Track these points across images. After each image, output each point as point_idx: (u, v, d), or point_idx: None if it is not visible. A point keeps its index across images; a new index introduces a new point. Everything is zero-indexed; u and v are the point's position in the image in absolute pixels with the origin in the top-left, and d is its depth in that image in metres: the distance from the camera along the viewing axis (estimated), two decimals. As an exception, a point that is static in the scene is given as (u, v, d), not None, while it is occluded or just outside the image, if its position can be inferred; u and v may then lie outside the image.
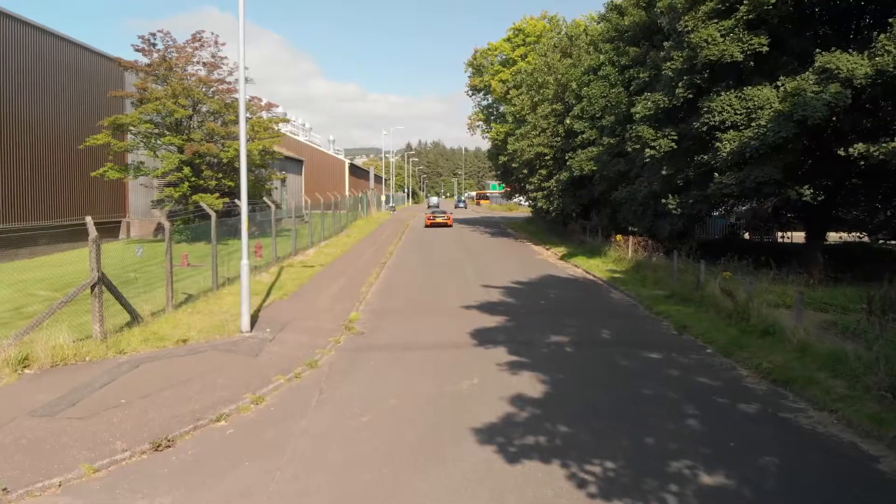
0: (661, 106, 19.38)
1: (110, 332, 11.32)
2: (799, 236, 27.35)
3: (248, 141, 31.16)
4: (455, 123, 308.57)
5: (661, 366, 10.50)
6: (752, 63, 18.12)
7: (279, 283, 18.13)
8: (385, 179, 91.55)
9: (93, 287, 10.80)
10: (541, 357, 10.81)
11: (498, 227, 46.47)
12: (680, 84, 18.71)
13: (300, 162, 49.67)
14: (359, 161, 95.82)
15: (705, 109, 18.24)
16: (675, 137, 19.49)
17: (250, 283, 17.27)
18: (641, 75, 21.81)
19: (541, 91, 30.52)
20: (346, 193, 53.50)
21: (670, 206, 19.75)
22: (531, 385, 9.17)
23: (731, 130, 17.98)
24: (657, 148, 19.60)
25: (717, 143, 18.05)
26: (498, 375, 9.71)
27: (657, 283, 17.47)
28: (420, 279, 20.32)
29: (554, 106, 29.87)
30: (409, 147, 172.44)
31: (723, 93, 18.33)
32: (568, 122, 27.43)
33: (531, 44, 39.15)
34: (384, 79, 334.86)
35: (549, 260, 25.82)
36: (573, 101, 27.85)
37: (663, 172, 19.93)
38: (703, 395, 8.98)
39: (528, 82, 32.24)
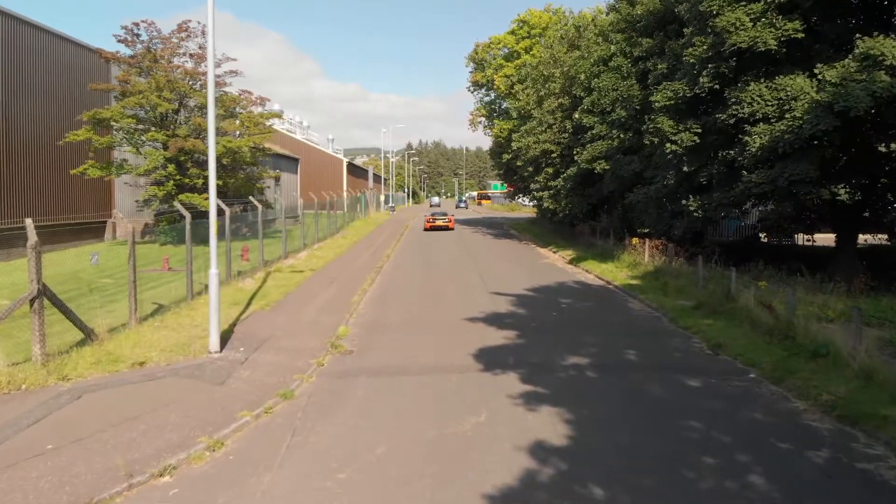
0: (682, 95, 17.75)
1: (56, 354, 9.71)
2: (824, 238, 25.71)
3: (237, 137, 29.67)
4: (456, 123, 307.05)
5: (701, 396, 8.88)
6: (784, 50, 16.53)
7: (263, 290, 16.52)
8: (384, 179, 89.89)
9: (32, 301, 9.19)
10: (559, 385, 9.19)
11: (501, 229, 44.82)
12: (704, 73, 17.09)
13: (296, 160, 47.97)
14: (359, 161, 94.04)
15: (733, 100, 16.64)
16: (699, 131, 17.87)
17: (231, 293, 15.74)
18: (659, 66, 20.17)
19: (547, 85, 28.86)
20: (344, 193, 51.89)
21: (691, 208, 18.14)
22: (552, 426, 7.54)
23: (762, 123, 16.40)
24: (678, 142, 17.97)
25: (746, 138, 16.46)
26: (510, 411, 8.09)
27: (680, 292, 15.85)
28: (419, 286, 18.72)
29: (561, 100, 28.21)
30: (409, 147, 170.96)
31: (752, 82, 16.74)
32: (577, 116, 25.79)
33: (536, 36, 37.48)
34: (385, 79, 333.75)
35: (556, 264, 24.19)
36: (582, 95, 26.21)
37: (684, 169, 18.31)
38: (760, 439, 7.36)
39: (532, 76, 30.58)
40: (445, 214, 41.69)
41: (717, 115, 17.42)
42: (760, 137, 16.05)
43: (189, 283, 14.91)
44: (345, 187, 57.54)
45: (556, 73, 28.46)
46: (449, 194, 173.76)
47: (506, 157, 35.59)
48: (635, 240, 20.60)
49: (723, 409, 8.39)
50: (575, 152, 25.76)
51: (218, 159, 28.62)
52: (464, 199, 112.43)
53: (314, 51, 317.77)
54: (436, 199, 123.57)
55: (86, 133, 26.26)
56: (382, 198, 69.86)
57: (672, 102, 18.04)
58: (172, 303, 14.27)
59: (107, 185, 33.06)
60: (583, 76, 26.11)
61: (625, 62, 24.89)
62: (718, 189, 18.00)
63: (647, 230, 25.59)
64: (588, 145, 25.00)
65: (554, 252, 27.57)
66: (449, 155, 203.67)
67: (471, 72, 43.61)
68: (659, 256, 19.35)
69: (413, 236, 36.47)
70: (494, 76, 39.84)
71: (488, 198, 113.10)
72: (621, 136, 23.56)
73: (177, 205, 14.73)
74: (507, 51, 40.66)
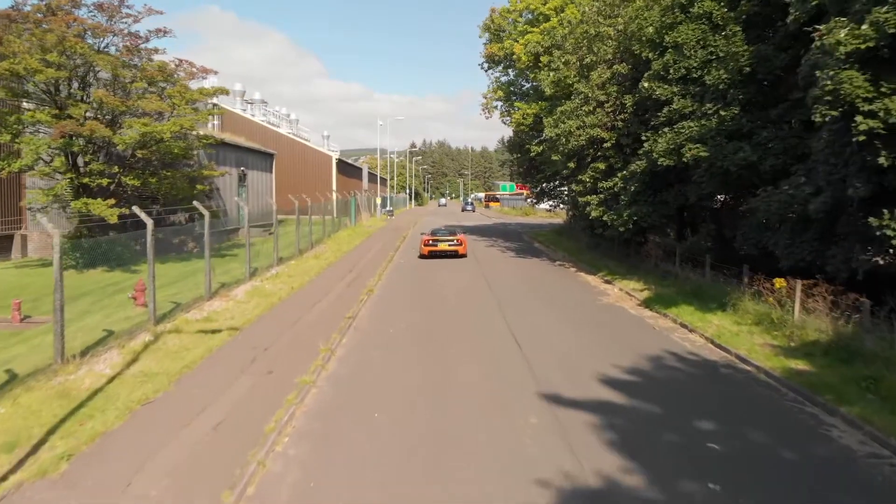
0: (893, 31, 9.76)
1: None
2: None
3: (164, 120, 21.80)
4: (460, 123, 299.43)
5: None
6: None
7: (106, 393, 8.52)
8: (383, 179, 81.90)
9: None
10: None
11: (520, 241, 36.37)
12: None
13: (270, 155, 39.85)
14: (360, 161, 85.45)
15: None
16: (912, 94, 9.88)
17: (34, 404, 7.24)
18: (810, -11, 12.17)
19: (595, 47, 20.88)
20: (334, 195, 43.92)
21: (892, 229, 10.16)
22: None
23: None
24: (878, 114, 9.99)
25: None
26: None
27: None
28: (410, 369, 10.70)
29: (616, 67, 20.18)
30: (413, 146, 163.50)
31: None
32: (646, 85, 17.68)
33: (569, -7, 29.52)
34: (388, 79, 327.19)
35: (625, 308, 15.98)
36: (650, 56, 18.23)
37: (879, 162, 10.31)
38: None
39: (573, 39, 22.55)
40: (454, 234, 27.06)
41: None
42: None
43: None
44: (334, 188, 49.57)
45: (608, 32, 20.43)
46: (454, 195, 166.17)
47: (535, 149, 27.36)
48: (779, 281, 12.34)
49: None
50: (644, 138, 17.71)
51: (132, 153, 21.02)
52: (470, 200, 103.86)
53: (317, 50, 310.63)
54: (443, 200, 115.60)
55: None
56: (379, 201, 61.71)
57: (871, 45, 10.03)
58: None
59: (16, 188, 25.37)
60: (651, 29, 18.13)
61: (715, 6, 16.98)
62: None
63: (737, 252, 17.63)
64: (663, 129, 16.99)
65: (609, 282, 19.41)
66: (454, 155, 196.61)
67: (485, 44, 35.13)
68: (827, 312, 11.20)
69: (409, 256, 28.06)
70: (514, 46, 31.71)
71: (497, 200, 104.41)
72: (721, 112, 15.60)
73: None
74: (530, 16, 32.61)
